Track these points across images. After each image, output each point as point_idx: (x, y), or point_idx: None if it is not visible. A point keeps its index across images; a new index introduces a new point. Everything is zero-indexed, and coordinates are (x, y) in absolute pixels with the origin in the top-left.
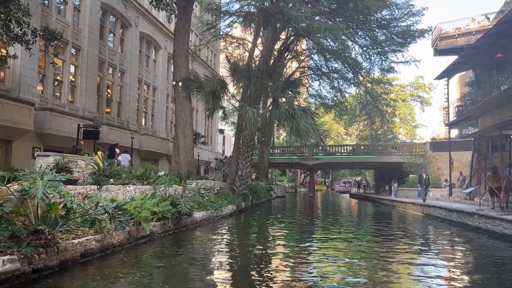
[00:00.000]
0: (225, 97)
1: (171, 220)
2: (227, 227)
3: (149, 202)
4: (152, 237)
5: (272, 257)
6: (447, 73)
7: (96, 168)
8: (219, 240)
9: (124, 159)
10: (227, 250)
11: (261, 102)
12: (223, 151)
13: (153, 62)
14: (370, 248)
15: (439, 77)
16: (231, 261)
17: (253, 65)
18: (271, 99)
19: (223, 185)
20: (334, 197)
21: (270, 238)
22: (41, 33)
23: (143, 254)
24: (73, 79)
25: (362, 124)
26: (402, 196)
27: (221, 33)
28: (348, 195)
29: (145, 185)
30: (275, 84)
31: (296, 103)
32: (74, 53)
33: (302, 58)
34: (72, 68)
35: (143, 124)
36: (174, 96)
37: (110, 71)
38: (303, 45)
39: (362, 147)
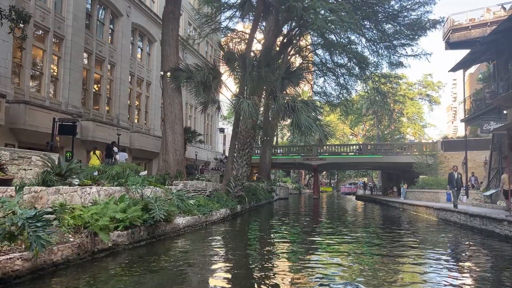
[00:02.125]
0: (221, 91)
1: (143, 228)
2: (215, 236)
3: (114, 207)
4: (115, 250)
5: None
6: (464, 64)
7: (49, 165)
8: (201, 253)
9: (121, 157)
10: (207, 269)
11: (263, 95)
12: (224, 150)
13: (146, 55)
14: (384, 269)
15: (454, 69)
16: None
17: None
18: (270, 91)
19: (219, 187)
20: (339, 199)
21: (265, 250)
22: (6, 14)
23: (91, 276)
24: (55, 71)
25: (368, 124)
26: (412, 198)
27: (221, 26)
28: (354, 197)
29: (116, 186)
30: (275, 75)
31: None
32: (57, 43)
33: (306, 53)
34: (54, 59)
35: (136, 121)
36: (162, 87)
37: (98, 64)
38: (307, 40)
39: (369, 147)
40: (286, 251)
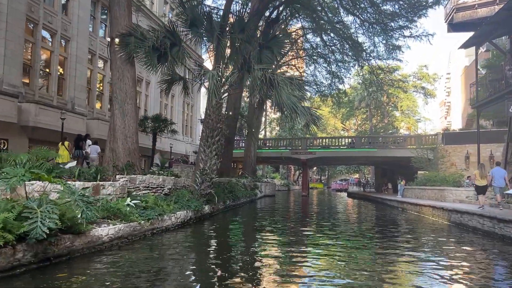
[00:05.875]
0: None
1: (24, 247)
2: (158, 251)
3: None
4: None
5: None
6: (477, 39)
7: None
8: None
9: (93, 151)
10: None
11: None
12: None
13: None
14: None
15: (466, 45)
16: None
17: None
18: (243, 60)
19: (189, 183)
20: (330, 196)
21: (228, 278)
22: None
23: None
24: None
25: (360, 118)
26: (411, 196)
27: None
28: (345, 194)
29: None
30: (252, 44)
31: None
32: None
33: (295, 38)
34: None
35: (98, 107)
36: (110, 58)
37: (47, 37)
38: (297, 26)
39: (362, 140)
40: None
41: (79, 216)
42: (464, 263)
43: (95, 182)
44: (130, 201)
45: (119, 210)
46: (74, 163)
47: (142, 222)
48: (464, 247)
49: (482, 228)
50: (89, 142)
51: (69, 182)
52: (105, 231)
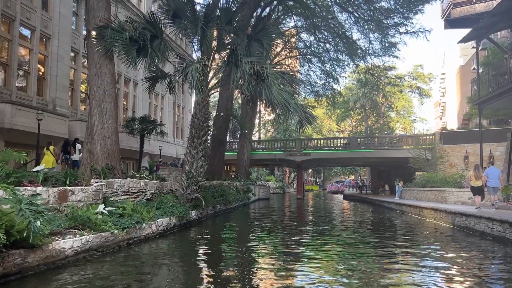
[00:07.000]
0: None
1: None
2: (132, 267)
3: None
4: None
5: None
6: (478, 31)
7: None
8: None
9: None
10: None
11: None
12: None
13: None
14: None
15: (465, 40)
16: None
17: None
18: (230, 52)
19: (176, 187)
20: (326, 199)
21: None
22: None
23: None
24: None
25: (355, 120)
26: (410, 198)
27: None
28: (341, 196)
29: None
30: (240, 37)
31: None
32: None
33: (288, 36)
34: None
35: (83, 108)
36: (87, 52)
37: (26, 34)
38: (291, 24)
39: (358, 140)
40: None
41: (31, 227)
42: (479, 275)
43: (61, 188)
44: (104, 208)
45: (89, 218)
46: (42, 166)
47: (116, 231)
48: (476, 255)
49: (491, 232)
50: (78, 146)
51: (28, 188)
52: (68, 243)
